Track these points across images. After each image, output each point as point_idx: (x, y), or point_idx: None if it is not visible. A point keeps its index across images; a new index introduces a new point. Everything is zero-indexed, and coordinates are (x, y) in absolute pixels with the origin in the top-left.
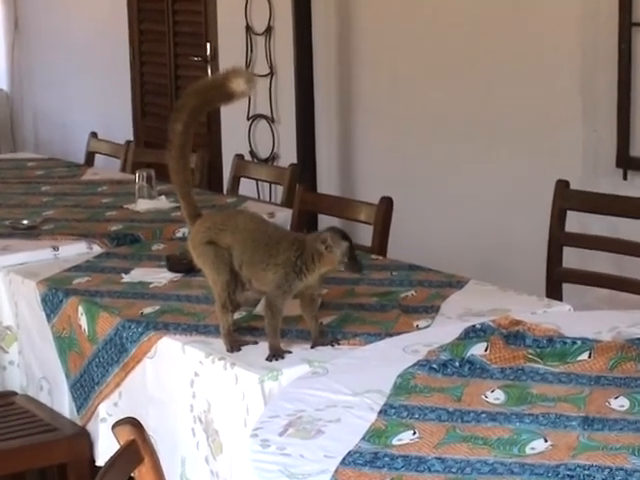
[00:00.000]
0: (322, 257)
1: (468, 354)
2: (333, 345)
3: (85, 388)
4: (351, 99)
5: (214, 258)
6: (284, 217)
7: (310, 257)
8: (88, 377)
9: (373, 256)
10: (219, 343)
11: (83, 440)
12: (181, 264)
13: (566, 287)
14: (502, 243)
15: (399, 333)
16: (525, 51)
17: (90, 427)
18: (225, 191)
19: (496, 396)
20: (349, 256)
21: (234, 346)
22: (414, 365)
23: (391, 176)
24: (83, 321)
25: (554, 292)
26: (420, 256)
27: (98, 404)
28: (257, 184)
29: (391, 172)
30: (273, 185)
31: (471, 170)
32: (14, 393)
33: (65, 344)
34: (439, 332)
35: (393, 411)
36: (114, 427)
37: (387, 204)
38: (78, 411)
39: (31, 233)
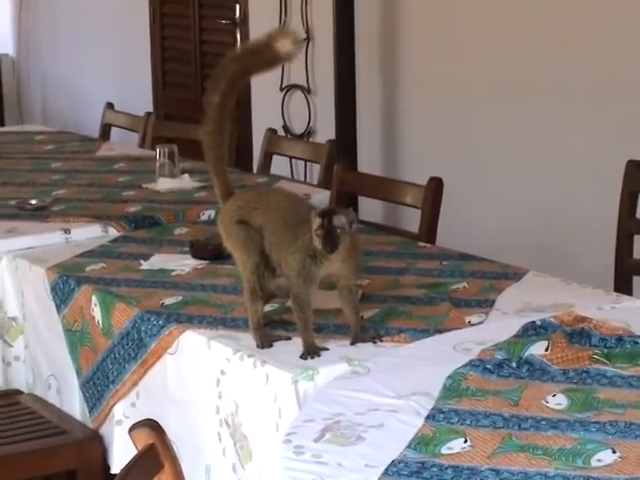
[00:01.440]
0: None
1: (527, 354)
2: (375, 342)
3: (98, 387)
4: (396, 67)
5: (244, 238)
6: (321, 199)
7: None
8: (102, 375)
9: (421, 243)
10: (248, 338)
11: (95, 444)
12: (206, 250)
13: (637, 280)
14: (565, 230)
15: (449, 329)
16: (602, 12)
17: (104, 430)
18: (255, 169)
19: (558, 401)
20: (320, 233)
21: (265, 342)
22: (466, 365)
23: (441, 154)
24: (97, 312)
25: (623, 285)
26: (473, 244)
27: (113, 405)
28: (290, 162)
29: (441, 149)
30: (309, 163)
31: (532, 147)
32: (19, 392)
33: (76, 338)
34: (494, 329)
35: (442, 416)
36: (131, 430)
37: (436, 185)
38: (90, 412)
39: (40, 214)
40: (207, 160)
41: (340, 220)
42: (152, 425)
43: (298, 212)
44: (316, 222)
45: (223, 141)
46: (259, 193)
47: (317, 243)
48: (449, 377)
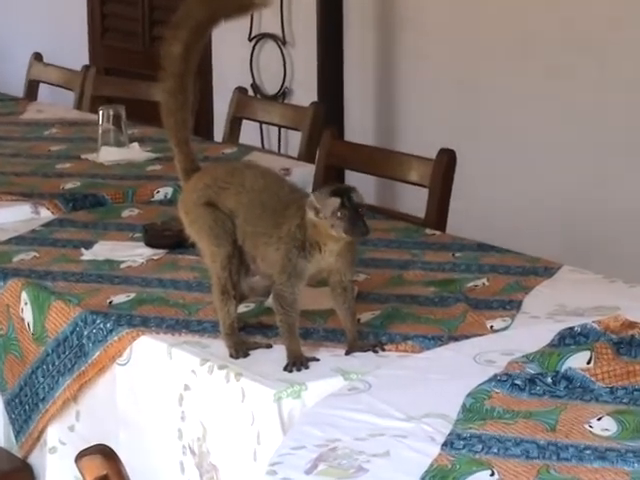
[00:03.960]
0: (316, 226)
1: (564, 367)
2: (376, 351)
3: (27, 406)
4: (394, 11)
5: (212, 225)
6: (303, 175)
7: (309, 228)
8: (31, 391)
9: (428, 231)
10: (219, 345)
11: (23, 477)
12: (164, 236)
13: None
14: (604, 215)
15: (467, 336)
16: None
17: (33, 459)
18: (221, 137)
19: (605, 425)
20: (343, 215)
21: (240, 350)
22: (490, 380)
23: (449, 120)
24: (27, 313)
25: None
26: (492, 231)
27: (44, 428)
28: (261, 128)
29: (449, 115)
30: (285, 130)
31: (561, 113)
32: None
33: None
34: (522, 336)
35: (462, 443)
36: (79, 458)
37: (448, 159)
38: (17, 437)
39: None
40: (166, 126)
41: (360, 198)
42: (105, 452)
43: (278, 195)
44: (333, 203)
45: (186, 102)
46: (230, 169)
47: (337, 230)
48: (470, 395)
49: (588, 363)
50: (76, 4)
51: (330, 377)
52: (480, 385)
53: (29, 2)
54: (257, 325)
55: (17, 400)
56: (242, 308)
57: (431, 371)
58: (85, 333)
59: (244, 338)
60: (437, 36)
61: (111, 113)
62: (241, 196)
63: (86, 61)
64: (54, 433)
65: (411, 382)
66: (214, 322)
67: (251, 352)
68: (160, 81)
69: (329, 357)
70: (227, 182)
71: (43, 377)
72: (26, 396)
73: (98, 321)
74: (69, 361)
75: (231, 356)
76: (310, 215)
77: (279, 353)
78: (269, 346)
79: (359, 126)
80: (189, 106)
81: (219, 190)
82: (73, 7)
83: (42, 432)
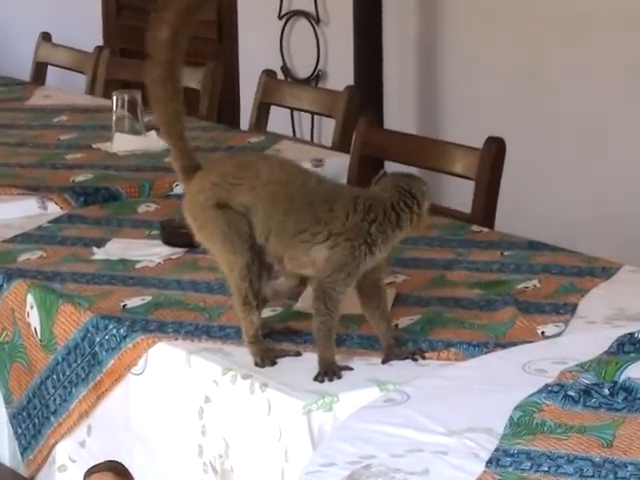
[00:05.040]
0: (416, 219)
1: (623, 377)
2: (416, 359)
3: (35, 419)
4: None
5: (226, 229)
6: (337, 165)
7: (392, 221)
8: (41, 403)
9: (474, 227)
10: (243, 353)
11: None
12: (183, 234)
13: None
14: None
15: (516, 343)
16: None
17: (42, 478)
18: (248, 125)
19: None
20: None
21: (266, 357)
22: (540, 392)
23: (497, 108)
24: (34, 318)
25: None
26: (544, 228)
27: (55, 444)
28: (292, 115)
29: (497, 102)
30: (319, 117)
31: (622, 102)
32: None
33: (5, 353)
34: (577, 343)
35: (509, 460)
36: (88, 476)
37: (497, 148)
38: (23, 454)
39: None
40: (157, 119)
41: None
42: (117, 469)
43: (307, 187)
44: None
45: (177, 92)
46: (241, 162)
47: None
48: (518, 407)
49: None
50: None
51: (364, 388)
52: (529, 397)
53: None
54: (284, 331)
55: (25, 413)
56: (267, 312)
57: (475, 381)
58: (97, 340)
59: (270, 345)
60: (485, 15)
61: (126, 98)
62: (258, 190)
63: (99, 42)
64: (64, 449)
65: (453, 393)
66: (237, 327)
67: (278, 360)
68: (147, 70)
69: (363, 366)
70: (239, 177)
71: (54, 388)
72: (35, 409)
73: (111, 327)
74: (82, 370)
75: (256, 364)
76: (426, 206)
77: (308, 361)
78: (298, 354)
79: (399, 113)
80: (180, 96)
81: (230, 187)
82: None
83: (52, 448)
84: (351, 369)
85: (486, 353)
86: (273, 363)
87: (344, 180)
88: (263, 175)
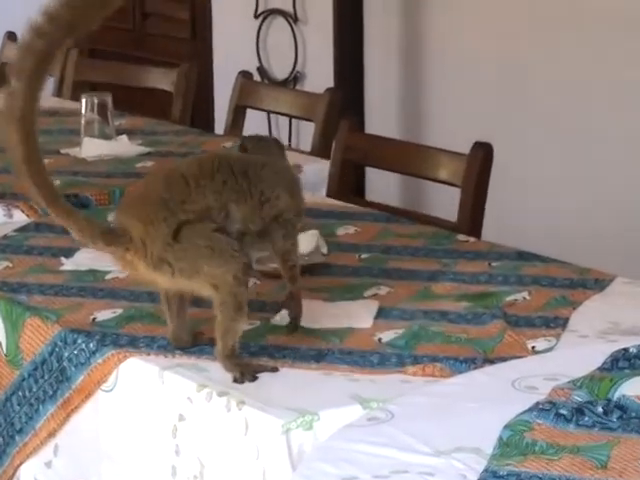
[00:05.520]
0: None
1: (617, 394)
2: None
3: (0, 438)
4: None
5: (209, 242)
6: (316, 172)
7: None
8: (5, 421)
9: (461, 237)
10: (218, 369)
11: None
12: None
13: None
14: None
15: (505, 358)
16: None
17: None
18: (224, 129)
19: None
20: None
21: (246, 373)
22: (531, 410)
23: (485, 111)
24: None
25: None
26: (533, 238)
27: (20, 464)
28: (269, 119)
29: (485, 105)
30: (296, 121)
31: (616, 101)
32: None
33: None
34: (569, 358)
35: None
36: None
37: (484, 154)
38: None
39: None
40: (10, 146)
41: None
42: None
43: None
44: None
45: (34, 110)
46: (167, 177)
47: None
48: (507, 427)
49: None
50: None
51: (346, 405)
52: (520, 415)
53: None
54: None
55: None
56: (244, 326)
57: (463, 398)
58: (66, 354)
59: (247, 360)
60: (470, 13)
61: (96, 101)
62: (206, 189)
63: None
64: (29, 470)
65: (440, 411)
66: (212, 341)
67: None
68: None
69: (345, 382)
70: (181, 190)
71: (19, 405)
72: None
73: (80, 341)
74: (50, 387)
75: (235, 381)
76: None
77: (287, 377)
78: (275, 369)
79: (381, 116)
80: (37, 114)
81: (179, 204)
82: None
83: (17, 469)
84: (277, 370)
85: (474, 369)
86: (254, 378)
87: (324, 186)
88: (215, 177)
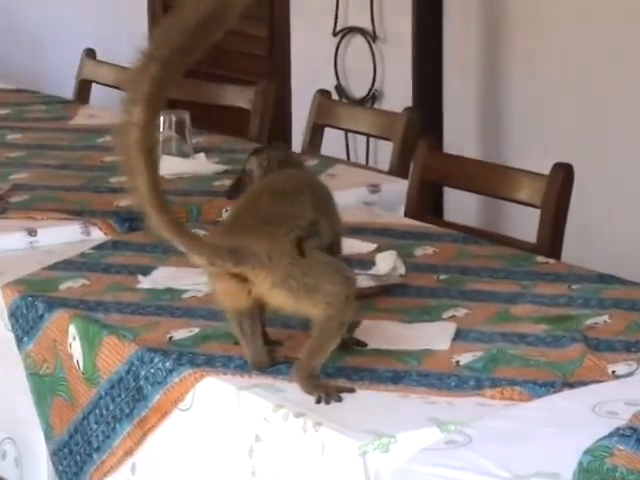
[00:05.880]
0: None
1: None
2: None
3: (77, 456)
4: (501, 4)
5: (326, 259)
6: (394, 192)
7: None
8: (82, 439)
9: (540, 258)
10: (295, 389)
11: None
12: None
13: None
14: None
15: (585, 383)
16: None
17: None
18: (301, 147)
19: None
20: None
21: (331, 393)
22: (612, 435)
23: (566, 131)
24: (76, 349)
25: None
26: (614, 260)
27: None
28: (347, 137)
29: (566, 125)
30: (374, 140)
31: None
32: None
33: (46, 386)
34: None
35: None
36: None
37: (564, 176)
38: None
39: None
40: (134, 173)
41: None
42: None
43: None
44: None
45: (156, 137)
46: (274, 194)
47: None
48: (588, 452)
49: None
50: None
51: (424, 428)
52: (600, 440)
53: None
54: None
55: (66, 449)
56: None
57: (542, 423)
58: (142, 373)
59: (324, 381)
60: (552, 32)
61: (173, 119)
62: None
63: None
64: None
65: (518, 435)
66: (289, 363)
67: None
68: (125, 107)
69: (423, 405)
70: (292, 201)
71: (96, 423)
72: (77, 445)
73: (156, 360)
74: (126, 405)
75: (319, 401)
76: None
77: (364, 399)
78: (352, 390)
79: (459, 136)
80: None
81: (295, 214)
82: None
83: None
84: (354, 391)
85: (553, 393)
86: (339, 399)
87: (402, 206)
88: (318, 190)
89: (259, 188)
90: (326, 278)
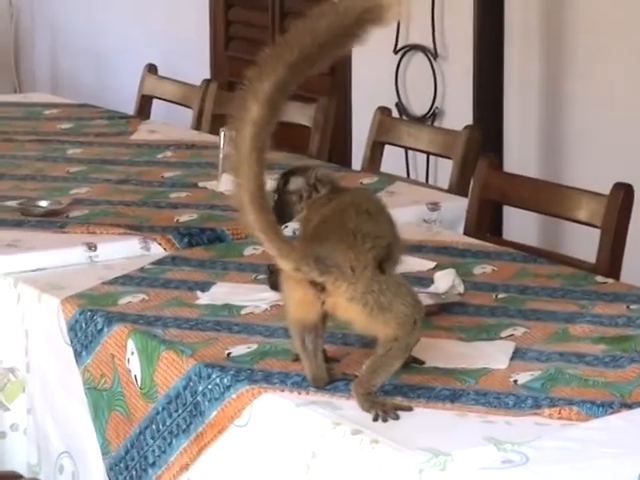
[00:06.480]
0: None
1: None
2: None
3: (133, 472)
4: (563, 22)
5: (403, 280)
6: (454, 210)
7: None
8: (139, 454)
9: (599, 278)
10: (352, 407)
11: None
12: None
13: None
14: None
15: None
16: None
17: None
18: (361, 164)
19: None
20: None
21: (388, 411)
22: None
23: (627, 151)
24: (134, 364)
25: None
26: None
27: None
28: (407, 155)
29: (627, 144)
30: (434, 158)
31: None
32: (17, 476)
33: (103, 400)
34: None
35: None
36: None
37: (625, 195)
38: None
39: (52, 222)
40: (241, 167)
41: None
42: None
43: None
44: None
45: (269, 140)
46: (360, 212)
47: None
48: None
49: None
50: (197, 9)
51: (481, 447)
52: None
53: (141, 6)
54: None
55: (122, 464)
56: None
57: (599, 443)
58: (200, 389)
59: (382, 399)
60: (614, 51)
61: (234, 135)
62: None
63: (207, 74)
64: None
65: (575, 456)
66: (347, 380)
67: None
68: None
69: (480, 423)
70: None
71: (152, 439)
72: (133, 460)
73: (214, 375)
74: (183, 421)
75: (376, 419)
76: None
77: (421, 417)
78: (409, 409)
79: (520, 155)
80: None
81: (376, 232)
82: (193, 12)
83: None
84: (411, 409)
85: (611, 413)
86: (397, 417)
87: (462, 224)
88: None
89: (344, 203)
90: (400, 299)
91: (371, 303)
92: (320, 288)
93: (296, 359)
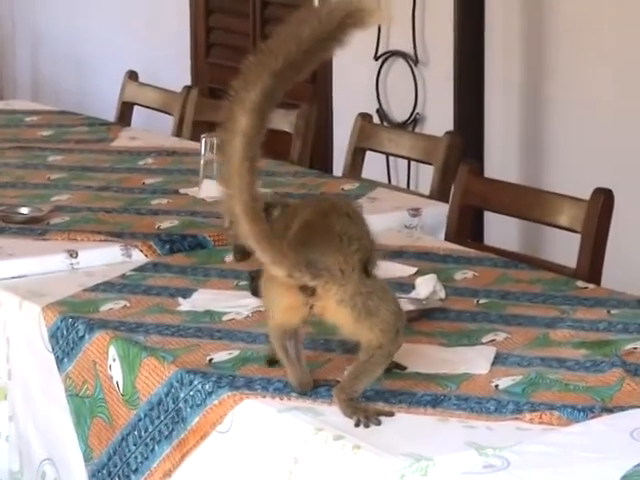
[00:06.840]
0: None
1: None
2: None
3: (116, 478)
4: (544, 26)
5: (390, 289)
6: (435, 215)
7: None
8: (121, 461)
9: (580, 283)
10: (334, 412)
11: None
12: None
13: None
14: None
15: (623, 408)
16: None
17: None
18: (342, 171)
19: None
20: None
21: (370, 416)
22: None
23: (607, 156)
24: (116, 371)
25: None
26: None
27: None
28: (388, 161)
29: (607, 150)
30: (415, 164)
31: None
32: None
33: (85, 407)
34: None
35: None
36: None
37: (605, 200)
38: None
39: (33, 229)
40: (232, 178)
41: None
42: None
43: None
44: None
45: (259, 149)
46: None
47: None
48: (625, 477)
49: None
50: (178, 15)
51: (462, 452)
52: (638, 466)
53: (123, 12)
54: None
55: (105, 471)
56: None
57: (580, 448)
58: (182, 395)
59: (364, 404)
60: (595, 56)
61: (215, 142)
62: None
63: (188, 81)
64: None
65: (556, 460)
66: (329, 385)
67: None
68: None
69: (461, 428)
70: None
71: (135, 445)
72: (115, 467)
73: (196, 382)
74: (165, 427)
75: (357, 424)
76: None
77: (402, 423)
78: (391, 414)
79: (501, 159)
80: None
81: (358, 235)
82: (174, 18)
83: None
84: (392, 414)
85: (591, 418)
86: (378, 422)
87: (443, 230)
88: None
89: (325, 208)
90: (385, 305)
91: (359, 306)
92: (310, 292)
93: (270, 364)
